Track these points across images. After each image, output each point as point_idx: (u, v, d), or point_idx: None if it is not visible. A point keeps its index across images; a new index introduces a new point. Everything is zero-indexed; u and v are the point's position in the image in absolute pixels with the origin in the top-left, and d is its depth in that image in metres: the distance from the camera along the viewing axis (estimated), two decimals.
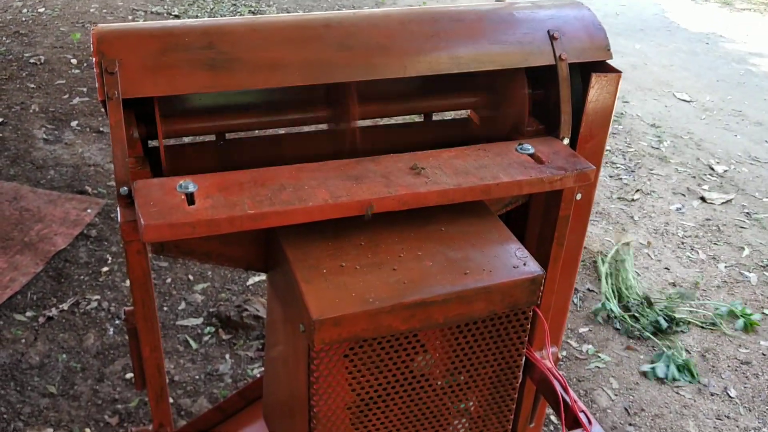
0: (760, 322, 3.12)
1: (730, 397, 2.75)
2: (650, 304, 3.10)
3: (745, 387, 2.80)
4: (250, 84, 1.27)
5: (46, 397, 2.51)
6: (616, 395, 2.72)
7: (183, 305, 2.97)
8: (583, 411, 1.42)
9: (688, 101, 5.49)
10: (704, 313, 3.15)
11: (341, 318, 1.09)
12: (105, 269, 3.12)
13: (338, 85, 1.40)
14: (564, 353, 2.90)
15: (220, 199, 1.14)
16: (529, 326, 1.27)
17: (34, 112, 4.42)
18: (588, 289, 3.26)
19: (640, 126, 4.99)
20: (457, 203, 1.27)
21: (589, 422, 1.41)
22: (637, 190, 4.14)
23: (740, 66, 6.32)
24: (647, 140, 4.79)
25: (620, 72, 1.46)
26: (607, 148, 4.48)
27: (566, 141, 1.45)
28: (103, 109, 1.28)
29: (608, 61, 1.48)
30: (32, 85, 4.75)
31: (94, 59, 1.20)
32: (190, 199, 1.14)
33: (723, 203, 4.08)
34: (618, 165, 4.43)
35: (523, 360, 1.32)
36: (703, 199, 4.10)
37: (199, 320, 2.90)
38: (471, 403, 1.33)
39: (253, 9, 6.61)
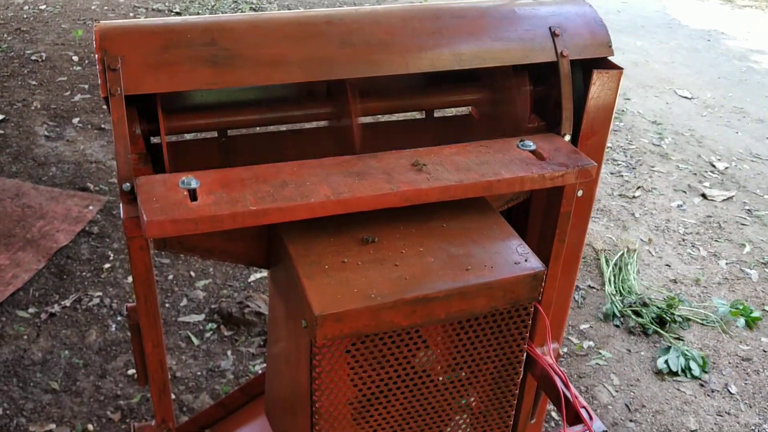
0: (761, 319, 3.12)
1: (730, 393, 2.75)
2: (651, 302, 3.11)
3: (745, 383, 2.81)
4: (252, 81, 1.27)
5: (48, 393, 2.51)
6: (617, 392, 2.72)
7: (185, 302, 2.97)
8: (584, 407, 1.43)
9: (690, 98, 5.48)
10: (705, 311, 3.15)
11: (343, 314, 1.09)
12: (107, 266, 3.13)
13: (340, 82, 1.40)
14: (565, 350, 2.90)
15: (223, 196, 1.14)
16: (530, 322, 1.28)
17: (36, 109, 4.42)
18: (589, 286, 3.27)
19: (642, 123, 4.99)
20: (458, 199, 1.27)
21: (590, 418, 1.42)
22: (638, 187, 4.14)
23: (742, 63, 6.31)
24: (648, 137, 4.79)
25: (621, 69, 1.46)
26: (609, 145, 4.48)
27: (567, 138, 1.45)
28: (105, 106, 1.28)
29: (609, 58, 1.48)
30: (34, 82, 4.76)
31: (96, 56, 1.20)
32: (193, 195, 1.14)
33: (724, 200, 4.08)
34: (619, 162, 4.43)
35: (525, 356, 1.32)
36: (704, 196, 4.10)
37: (201, 317, 2.90)
38: (472, 399, 1.34)
39: (254, 6, 6.60)
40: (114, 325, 2.82)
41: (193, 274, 3.14)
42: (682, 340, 2.97)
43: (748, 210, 4.01)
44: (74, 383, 2.56)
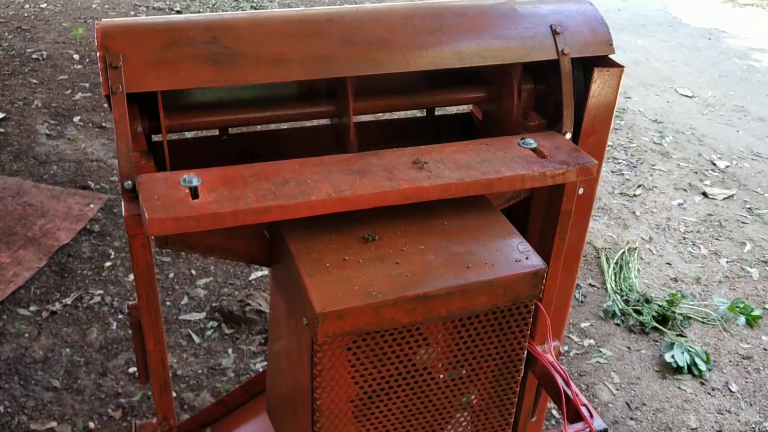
0: (762, 317, 3.12)
1: (731, 391, 2.76)
2: (652, 300, 3.11)
3: (746, 382, 2.81)
4: (253, 78, 1.27)
5: (49, 391, 2.52)
6: (617, 390, 2.72)
7: (186, 300, 2.98)
8: (584, 405, 1.43)
9: (691, 97, 5.48)
10: (706, 309, 3.15)
11: (344, 311, 1.09)
12: (108, 264, 3.13)
13: (341, 80, 1.40)
14: (565, 348, 2.90)
15: (224, 193, 1.15)
16: (531, 320, 1.28)
17: (37, 108, 4.42)
18: (590, 285, 3.27)
19: (642, 121, 4.99)
20: (459, 197, 1.27)
21: (591, 416, 1.42)
22: (639, 186, 4.14)
23: (743, 62, 6.31)
24: (649, 136, 4.79)
25: (622, 67, 1.46)
26: (609, 143, 4.48)
27: (568, 136, 1.45)
28: (106, 104, 1.28)
29: (610, 56, 1.48)
30: (35, 81, 4.76)
31: (98, 54, 1.20)
32: (194, 193, 1.14)
33: (725, 199, 4.08)
34: (620, 160, 4.43)
35: (525, 354, 1.33)
36: (704, 194, 4.10)
37: (202, 315, 2.91)
38: (473, 397, 1.34)
39: (254, 4, 6.60)
40: (115, 323, 2.83)
41: (194, 272, 3.14)
42: (684, 337, 2.98)
43: (749, 208, 4.01)
44: (75, 381, 2.56)
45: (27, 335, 2.74)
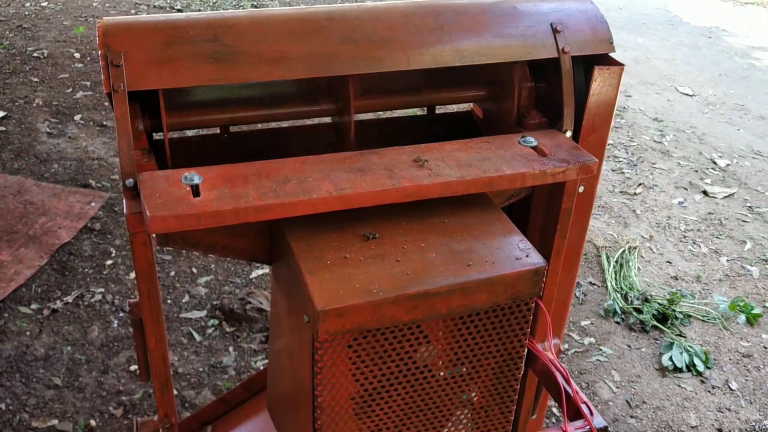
0: (762, 316, 3.13)
1: (731, 389, 2.76)
2: (652, 298, 3.11)
3: (746, 380, 2.81)
4: (254, 77, 1.27)
5: (51, 388, 2.52)
6: (617, 388, 2.73)
7: (187, 298, 2.98)
8: (584, 402, 1.43)
9: (691, 95, 5.48)
10: (706, 307, 3.16)
11: (345, 309, 1.09)
12: (109, 262, 3.14)
13: (342, 78, 1.41)
14: (566, 346, 2.91)
15: (225, 191, 1.15)
16: (531, 318, 1.28)
17: (38, 106, 4.42)
18: (590, 283, 3.27)
19: (643, 120, 4.99)
20: (460, 195, 1.28)
21: (591, 413, 1.42)
22: (640, 184, 4.14)
23: (743, 60, 6.30)
24: (650, 134, 4.79)
25: (623, 65, 1.46)
26: (610, 142, 4.48)
27: (569, 134, 1.46)
28: (108, 102, 1.28)
29: (611, 55, 1.48)
30: (36, 79, 4.76)
31: (99, 52, 1.20)
32: (196, 190, 1.14)
33: (725, 197, 4.08)
34: (620, 159, 4.43)
35: (526, 351, 1.33)
36: (705, 193, 4.11)
37: (203, 313, 2.91)
38: (473, 394, 1.34)
39: (255, 2, 6.60)
40: (116, 321, 2.83)
41: (194, 270, 3.15)
42: (684, 336, 2.98)
43: (749, 207, 4.01)
44: (76, 379, 2.57)
45: (28, 333, 2.74)
